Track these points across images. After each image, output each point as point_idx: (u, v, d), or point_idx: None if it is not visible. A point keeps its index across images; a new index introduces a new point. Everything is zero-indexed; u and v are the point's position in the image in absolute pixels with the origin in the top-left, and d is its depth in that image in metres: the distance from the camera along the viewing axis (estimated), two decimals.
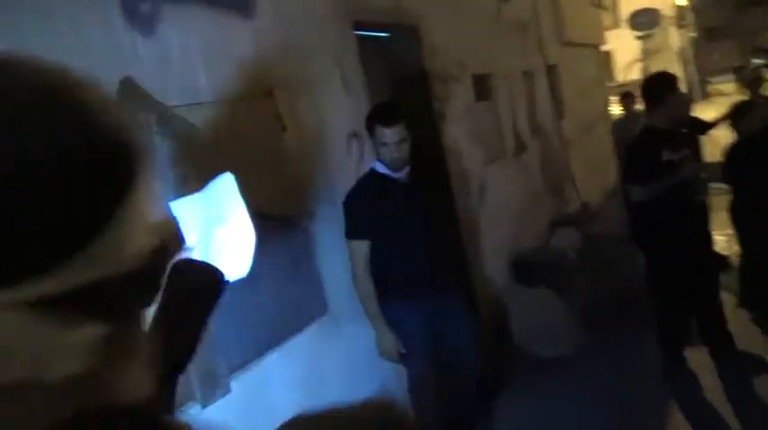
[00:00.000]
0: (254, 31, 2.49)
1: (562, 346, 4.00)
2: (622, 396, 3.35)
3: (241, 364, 2.25)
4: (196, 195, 1.16)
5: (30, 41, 1.62)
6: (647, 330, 3.66)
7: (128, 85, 1.88)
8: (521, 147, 5.80)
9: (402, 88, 3.99)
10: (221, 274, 0.92)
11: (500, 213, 4.90)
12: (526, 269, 4.86)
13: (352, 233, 2.57)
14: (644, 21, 10.85)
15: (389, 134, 2.45)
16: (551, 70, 7.19)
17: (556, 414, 3.26)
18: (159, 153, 2.00)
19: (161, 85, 2.01)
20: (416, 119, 4.08)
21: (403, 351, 2.60)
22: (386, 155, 2.51)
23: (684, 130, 3.59)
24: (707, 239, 3.45)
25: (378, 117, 2.51)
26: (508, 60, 5.72)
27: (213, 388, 2.08)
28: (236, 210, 1.11)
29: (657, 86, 3.35)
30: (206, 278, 0.90)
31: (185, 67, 2.13)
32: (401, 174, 2.58)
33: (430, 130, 4.11)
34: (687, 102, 3.32)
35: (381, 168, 2.58)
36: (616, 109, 9.30)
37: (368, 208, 2.54)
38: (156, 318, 0.63)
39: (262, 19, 2.54)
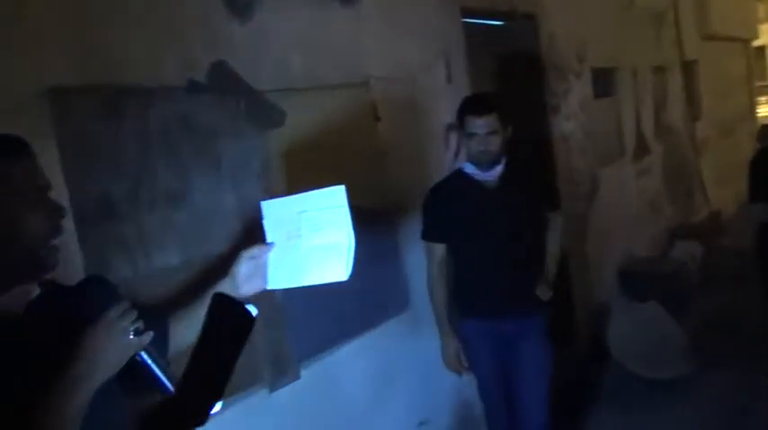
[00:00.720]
0: (353, 17, 2.45)
1: (668, 369, 3.66)
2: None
3: (314, 352, 2.24)
4: (297, 197, 1.25)
5: (127, 29, 1.67)
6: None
7: (219, 69, 1.91)
8: (643, 149, 5.36)
9: (512, 80, 3.79)
10: (252, 316, 0.98)
11: (611, 219, 4.56)
12: (636, 281, 4.51)
13: (427, 234, 2.42)
14: None
15: (479, 124, 2.23)
16: (689, 66, 6.57)
17: None
18: (247, 138, 2.01)
19: (254, 69, 2.02)
20: (527, 113, 3.90)
21: (465, 365, 2.44)
22: (472, 147, 2.28)
23: None
24: None
25: (468, 106, 2.30)
26: (637, 54, 5.28)
27: (282, 373, 2.09)
28: (340, 221, 1.18)
29: None
30: (242, 317, 0.96)
31: (280, 52, 2.12)
32: (490, 176, 2.33)
33: (541, 126, 3.89)
34: None
35: (469, 168, 2.37)
36: (765, 110, 8.37)
37: (446, 209, 2.36)
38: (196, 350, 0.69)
39: (362, 4, 2.49)
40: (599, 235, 4.36)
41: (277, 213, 1.25)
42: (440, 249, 2.40)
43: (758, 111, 9.11)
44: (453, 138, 2.98)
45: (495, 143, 2.25)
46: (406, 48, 2.74)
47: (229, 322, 1.00)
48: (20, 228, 0.96)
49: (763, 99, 11.38)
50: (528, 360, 2.40)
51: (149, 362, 1.00)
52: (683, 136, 6.41)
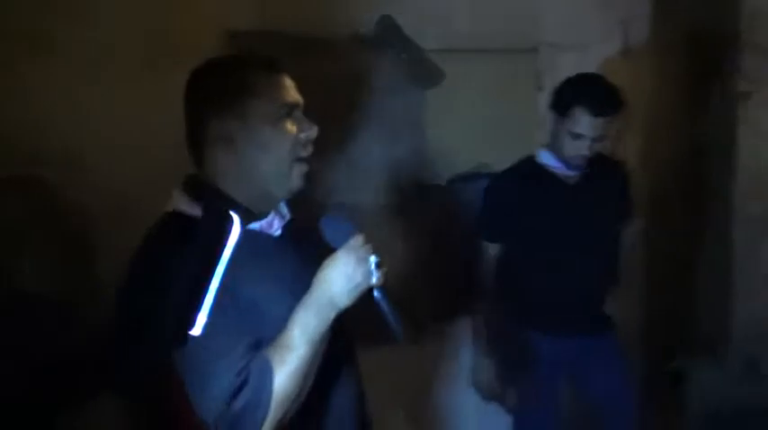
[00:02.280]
0: None
1: None
2: None
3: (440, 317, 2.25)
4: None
5: None
6: None
7: (385, 23, 1.91)
8: None
9: (695, 55, 3.41)
10: None
11: None
12: None
13: (486, 231, 2.01)
14: None
15: (593, 126, 1.80)
16: None
17: None
18: (406, 95, 2.02)
19: (419, 26, 2.00)
20: (707, 96, 3.50)
21: (498, 390, 2.01)
22: (572, 149, 1.86)
23: None
24: None
25: (585, 96, 1.81)
26: None
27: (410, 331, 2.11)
28: None
29: None
30: None
31: (446, 9, 2.08)
32: (572, 173, 1.94)
33: (724, 113, 3.48)
34: None
35: (548, 159, 1.94)
36: None
37: (515, 204, 1.95)
38: None
39: None
40: None
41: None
42: (493, 250, 2.00)
43: None
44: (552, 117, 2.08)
45: (600, 148, 1.88)
46: (580, 12, 2.56)
47: None
48: (266, 141, 1.01)
49: None
50: (605, 364, 2.03)
51: (383, 300, 1.00)
52: None
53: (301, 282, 0.98)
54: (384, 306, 1.00)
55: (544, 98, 2.42)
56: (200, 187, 1.02)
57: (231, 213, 0.97)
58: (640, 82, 2.56)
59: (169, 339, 0.88)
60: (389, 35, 1.92)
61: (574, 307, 1.97)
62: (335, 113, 1.83)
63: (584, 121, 1.80)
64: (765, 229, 3.79)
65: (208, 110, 1.01)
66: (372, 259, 0.98)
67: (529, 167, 1.98)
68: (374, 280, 0.98)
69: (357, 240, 0.99)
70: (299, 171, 1.03)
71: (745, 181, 3.59)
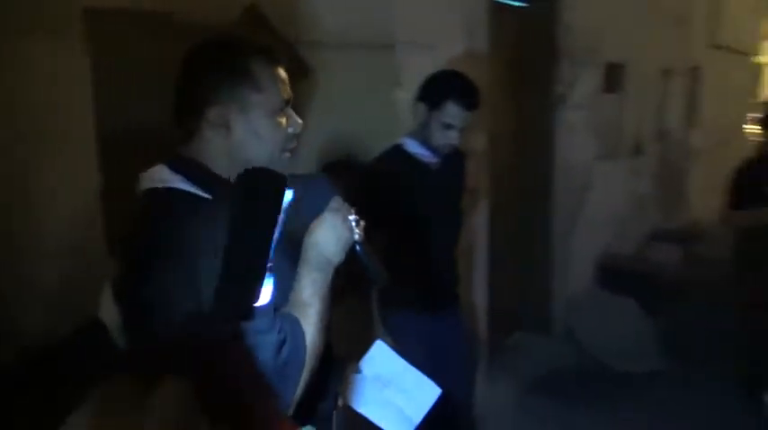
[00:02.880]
0: None
1: (636, 363, 3.79)
2: (696, 426, 3.15)
3: None
4: (404, 364, 1.48)
5: None
6: (730, 365, 3.45)
7: (253, 12, 1.89)
8: (638, 148, 5.43)
9: (526, 63, 3.80)
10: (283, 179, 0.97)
11: (599, 214, 4.64)
12: (615, 276, 4.62)
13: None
14: None
15: (462, 117, 2.00)
16: (694, 72, 6.62)
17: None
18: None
19: (286, 18, 2.00)
20: (535, 98, 3.92)
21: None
22: (441, 137, 2.04)
23: None
24: None
25: (456, 92, 2.00)
26: (648, 54, 5.30)
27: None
28: (421, 403, 1.43)
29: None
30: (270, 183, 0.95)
31: (314, 4, 2.10)
32: (435, 159, 2.12)
33: (546, 114, 3.92)
34: None
35: (414, 146, 2.10)
36: (753, 128, 8.47)
37: (390, 191, 2.08)
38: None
39: None
40: (586, 228, 4.44)
41: (382, 357, 1.46)
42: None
43: (746, 128, 9.23)
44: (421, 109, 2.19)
45: (463, 138, 2.09)
46: (430, 14, 2.72)
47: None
48: (262, 132, 1.06)
49: (751, 116, 11.53)
50: (454, 341, 2.27)
51: (364, 252, 1.09)
52: (679, 141, 6.49)
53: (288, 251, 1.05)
54: (365, 257, 1.10)
55: (402, 93, 2.55)
56: (194, 167, 1.04)
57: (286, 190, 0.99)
58: (480, 83, 2.78)
59: (237, 315, 0.88)
60: (256, 24, 1.90)
61: (442, 281, 2.19)
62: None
63: (455, 113, 1.99)
64: (578, 216, 4.35)
65: (210, 96, 1.04)
66: (352, 217, 1.08)
67: (399, 155, 2.12)
68: (357, 236, 1.09)
69: (338, 201, 1.09)
70: (284, 161, 1.09)
71: (562, 174, 4.10)
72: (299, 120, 1.11)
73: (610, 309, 4.15)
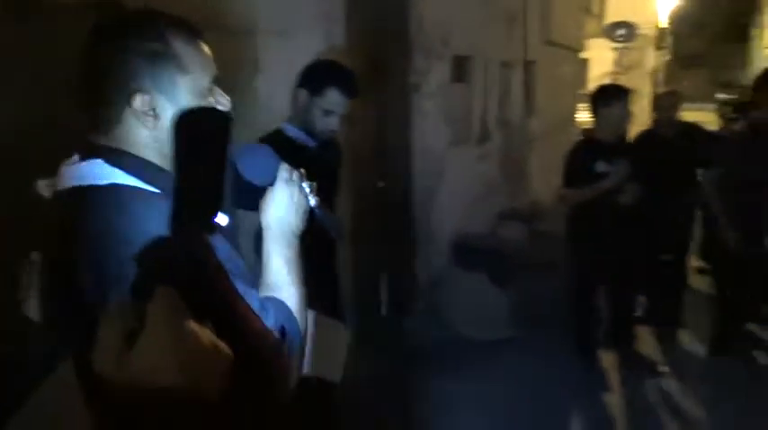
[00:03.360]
0: None
1: (491, 332, 4.13)
2: (539, 387, 3.51)
3: None
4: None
5: None
6: (570, 329, 3.87)
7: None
8: (485, 135, 5.86)
9: (383, 52, 3.95)
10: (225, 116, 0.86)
11: (454, 197, 4.97)
12: (468, 254, 4.97)
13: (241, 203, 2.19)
14: (621, 33, 10.92)
15: (343, 104, 2.06)
16: (529, 66, 7.25)
17: (474, 396, 3.39)
18: None
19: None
20: (390, 87, 4.09)
21: None
22: (323, 124, 2.07)
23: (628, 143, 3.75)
24: (633, 246, 3.53)
25: (338, 79, 2.06)
26: (490, 47, 5.73)
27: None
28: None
29: (597, 99, 3.46)
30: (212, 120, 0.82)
31: None
32: (314, 144, 2.15)
33: (403, 101, 4.10)
34: (623, 117, 3.41)
35: (294, 131, 2.12)
36: (584, 116, 9.47)
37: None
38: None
39: None
40: (443, 210, 4.73)
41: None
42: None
43: (578, 116, 10.30)
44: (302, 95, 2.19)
45: (339, 127, 2.14)
46: (290, 3, 2.75)
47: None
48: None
49: (582, 106, 12.83)
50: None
51: (322, 213, 1.12)
52: (519, 129, 7.08)
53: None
54: (325, 218, 1.13)
55: (263, 79, 2.56)
56: (132, 159, 0.96)
57: None
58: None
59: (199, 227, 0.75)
60: (105, 5, 1.81)
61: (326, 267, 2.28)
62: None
63: (337, 100, 2.04)
64: (435, 199, 4.62)
65: (132, 84, 0.94)
66: (306, 184, 1.09)
67: (279, 139, 2.11)
68: (312, 201, 1.10)
69: (286, 170, 1.07)
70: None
71: (419, 159, 4.32)
72: (227, 98, 1.04)
73: (466, 284, 4.46)
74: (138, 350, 0.55)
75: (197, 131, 0.73)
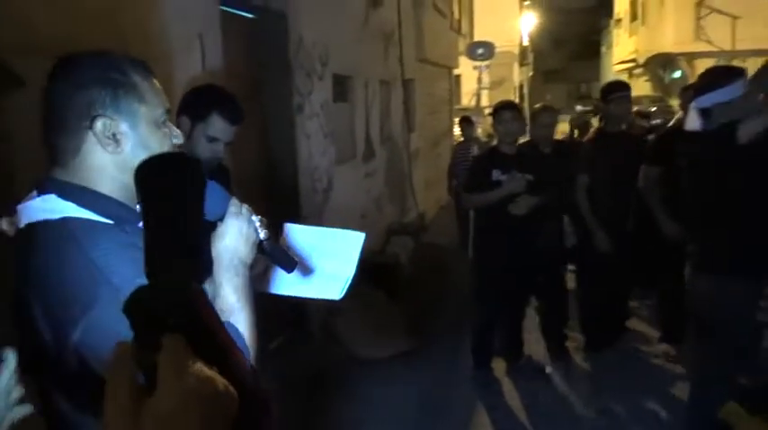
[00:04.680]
0: None
1: (388, 349, 4.16)
2: (438, 398, 3.58)
3: None
4: (320, 229, 1.46)
5: None
6: (466, 337, 3.99)
7: None
8: (370, 152, 5.94)
9: (263, 73, 3.89)
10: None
11: (343, 214, 4.98)
12: (363, 270, 4.99)
13: None
14: (481, 52, 11.66)
15: (228, 132, 1.99)
16: (407, 83, 7.47)
17: (373, 413, 3.38)
18: None
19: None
20: (276, 109, 4.04)
21: None
22: (206, 152, 1.98)
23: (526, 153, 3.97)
24: (524, 255, 3.72)
25: (221, 106, 1.98)
26: (369, 67, 5.84)
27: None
28: (349, 259, 1.39)
29: (495, 113, 3.70)
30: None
31: (23, 10, 1.88)
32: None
33: (287, 122, 4.06)
34: (516, 129, 3.67)
35: None
36: (458, 130, 9.90)
37: None
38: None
39: None
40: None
41: (298, 237, 1.42)
42: None
43: (455, 130, 10.75)
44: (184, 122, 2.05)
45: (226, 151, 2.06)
46: (165, 23, 2.63)
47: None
48: (151, 145, 1.04)
49: (456, 121, 13.42)
50: None
51: (271, 247, 1.14)
52: (401, 144, 7.26)
53: None
54: (273, 251, 1.16)
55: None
56: (84, 192, 1.01)
57: None
58: None
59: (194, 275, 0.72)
60: None
61: None
62: None
63: (221, 127, 1.96)
64: (324, 217, 4.60)
65: (95, 110, 1.00)
66: (255, 218, 1.12)
67: None
68: (262, 234, 1.12)
69: (236, 204, 1.10)
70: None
71: (306, 178, 4.29)
72: (179, 131, 1.11)
73: (361, 301, 4.46)
74: (155, 405, 0.53)
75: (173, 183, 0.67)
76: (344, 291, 1.38)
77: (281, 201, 4.07)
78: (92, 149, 1.01)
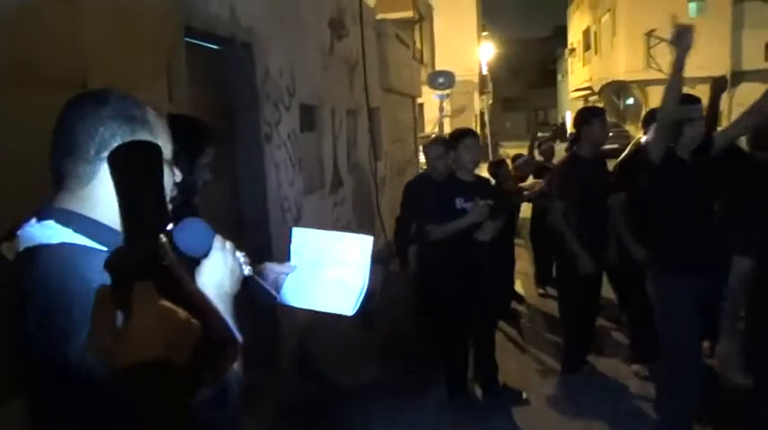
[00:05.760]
0: (72, 11, 2.23)
1: (361, 376, 4.09)
2: (413, 425, 3.53)
3: None
4: (329, 233, 1.42)
5: None
6: (438, 364, 3.97)
7: None
8: (338, 181, 5.93)
9: (231, 104, 3.86)
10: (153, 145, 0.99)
11: None
12: None
13: None
14: (441, 81, 11.89)
15: (212, 153, 2.15)
16: (373, 112, 7.53)
17: None
18: None
19: None
20: (243, 138, 4.00)
21: None
22: (204, 177, 2.17)
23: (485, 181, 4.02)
24: (485, 280, 3.73)
25: (212, 135, 2.19)
26: (336, 96, 5.87)
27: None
28: (360, 265, 1.34)
29: (453, 140, 3.71)
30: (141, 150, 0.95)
31: None
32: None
33: (255, 152, 4.03)
34: (476, 155, 3.68)
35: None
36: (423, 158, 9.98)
37: None
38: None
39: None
40: None
41: (306, 241, 1.42)
42: None
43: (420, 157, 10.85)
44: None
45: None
46: (129, 54, 2.59)
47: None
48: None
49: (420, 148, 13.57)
50: None
51: (254, 280, 1.19)
52: (368, 173, 7.28)
53: None
54: (256, 286, 1.21)
55: None
56: (81, 218, 1.05)
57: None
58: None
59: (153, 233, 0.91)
60: None
61: None
62: None
63: (212, 152, 2.11)
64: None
65: (111, 140, 1.04)
66: (240, 254, 1.17)
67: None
68: (246, 270, 1.17)
69: (220, 241, 1.14)
70: (170, 209, 1.09)
71: (275, 208, 4.25)
72: (178, 171, 1.16)
73: (332, 330, 4.40)
74: (129, 329, 0.72)
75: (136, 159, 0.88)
76: (357, 305, 1.34)
77: (250, 231, 4.01)
78: (104, 181, 1.03)
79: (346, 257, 1.36)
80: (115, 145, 1.03)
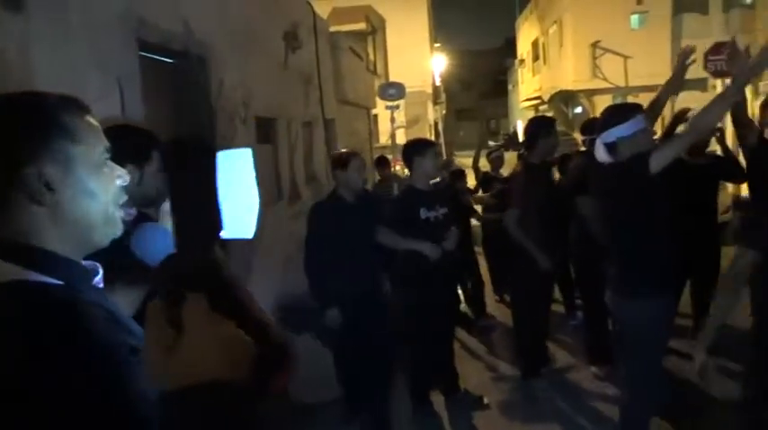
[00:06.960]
0: (22, 27, 2.17)
1: (322, 393, 4.06)
2: None
3: None
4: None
5: None
6: (402, 375, 3.97)
7: None
8: (296, 193, 5.90)
9: (186, 118, 3.81)
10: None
11: (271, 258, 4.89)
12: (293, 313, 4.89)
13: None
14: (392, 92, 11.98)
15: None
16: (329, 124, 7.54)
17: None
18: None
19: None
20: (199, 153, 3.94)
21: None
22: (159, 184, 2.06)
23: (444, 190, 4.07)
24: (450, 287, 3.78)
25: (158, 141, 2.06)
26: (291, 108, 5.85)
27: None
28: (247, 181, 1.19)
29: (410, 151, 3.72)
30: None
31: None
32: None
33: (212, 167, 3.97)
34: (435, 165, 3.73)
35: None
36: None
37: None
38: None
39: (33, 15, 2.23)
40: (258, 272, 4.61)
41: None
42: None
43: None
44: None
45: None
46: (81, 69, 2.53)
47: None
48: (92, 189, 0.94)
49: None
50: None
51: None
52: (325, 185, 7.26)
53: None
54: None
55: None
56: (28, 250, 0.88)
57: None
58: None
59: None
60: None
61: None
62: None
63: (159, 157, 1.97)
64: (253, 262, 4.49)
65: (22, 157, 0.87)
66: None
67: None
68: None
69: None
70: (119, 218, 0.99)
71: None
72: (125, 170, 0.99)
73: (295, 346, 4.36)
74: (183, 347, 0.68)
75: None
76: (256, 227, 1.26)
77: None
78: (22, 203, 0.87)
79: (233, 177, 1.29)
80: (23, 157, 0.88)
